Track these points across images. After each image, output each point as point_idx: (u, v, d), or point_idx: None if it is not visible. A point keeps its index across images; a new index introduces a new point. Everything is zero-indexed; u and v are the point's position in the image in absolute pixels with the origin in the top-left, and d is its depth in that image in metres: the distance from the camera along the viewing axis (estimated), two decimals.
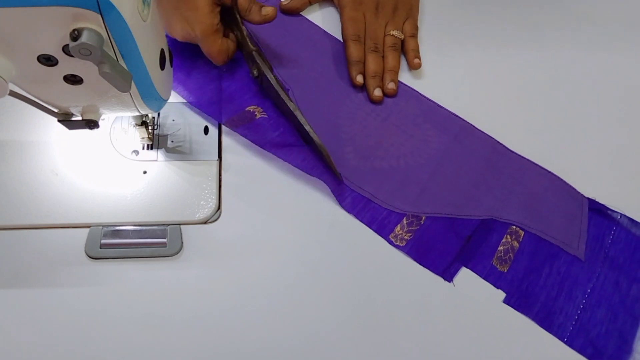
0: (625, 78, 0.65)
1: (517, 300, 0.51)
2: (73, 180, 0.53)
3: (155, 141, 0.55)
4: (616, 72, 0.66)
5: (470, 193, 0.55)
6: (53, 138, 0.54)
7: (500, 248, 0.52)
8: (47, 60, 0.37)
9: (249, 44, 0.56)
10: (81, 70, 0.38)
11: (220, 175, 0.55)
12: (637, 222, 0.53)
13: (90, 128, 0.45)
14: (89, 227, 0.51)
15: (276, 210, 0.54)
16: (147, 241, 0.51)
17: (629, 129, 0.61)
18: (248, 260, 0.51)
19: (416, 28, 0.64)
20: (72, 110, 0.45)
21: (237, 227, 0.52)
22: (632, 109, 0.63)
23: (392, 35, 0.62)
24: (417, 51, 0.63)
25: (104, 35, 0.34)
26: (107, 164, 0.54)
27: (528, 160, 0.57)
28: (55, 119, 0.45)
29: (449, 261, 0.52)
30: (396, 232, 0.53)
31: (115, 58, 0.37)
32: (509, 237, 0.53)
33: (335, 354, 0.48)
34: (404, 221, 0.53)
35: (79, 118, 0.45)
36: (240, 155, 0.56)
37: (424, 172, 0.56)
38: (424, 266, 0.52)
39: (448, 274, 0.51)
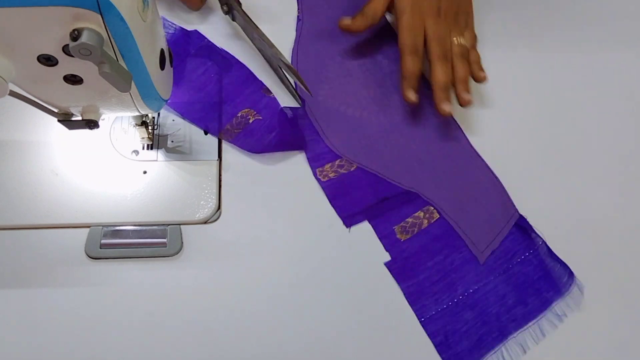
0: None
1: (398, 268, 0.51)
2: (73, 180, 0.52)
3: (155, 141, 0.55)
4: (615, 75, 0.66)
5: (411, 165, 0.56)
6: (53, 138, 0.54)
7: (409, 220, 0.53)
8: (47, 60, 0.37)
9: None
10: (81, 70, 0.38)
11: (220, 175, 0.55)
12: (554, 254, 0.52)
13: (90, 128, 0.45)
14: (89, 227, 0.51)
15: (276, 210, 0.54)
16: (147, 241, 0.51)
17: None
18: (248, 260, 0.51)
19: (475, 38, 0.59)
20: (72, 110, 0.45)
21: (237, 227, 0.52)
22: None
23: (461, 43, 0.56)
24: (480, 63, 0.58)
25: (104, 35, 0.34)
26: (107, 164, 0.54)
27: (483, 160, 0.57)
28: (55, 119, 0.45)
29: (355, 211, 0.53)
30: (324, 168, 0.54)
31: (115, 58, 0.37)
32: (422, 213, 0.53)
33: (335, 353, 0.48)
34: (336, 162, 0.55)
35: (79, 118, 0.45)
36: (240, 155, 0.56)
37: (377, 132, 0.57)
38: (332, 206, 0.53)
39: (349, 221, 0.53)
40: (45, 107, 0.44)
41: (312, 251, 0.52)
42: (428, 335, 0.49)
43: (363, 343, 0.49)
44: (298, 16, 0.63)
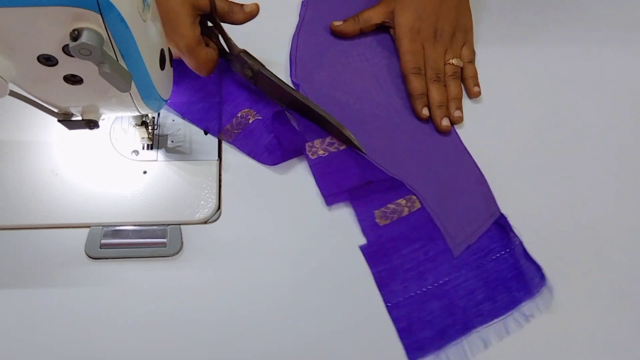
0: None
1: (372, 252, 0.52)
2: (73, 181, 0.52)
3: (155, 141, 0.55)
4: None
5: (400, 153, 0.57)
6: (53, 138, 0.54)
7: (390, 206, 0.54)
8: (47, 60, 0.37)
9: (235, 45, 0.55)
10: (81, 70, 0.38)
11: (220, 175, 0.55)
12: (529, 255, 0.52)
13: (90, 128, 0.45)
14: (89, 227, 0.51)
15: (276, 210, 0.54)
16: (147, 241, 0.51)
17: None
18: (248, 260, 0.51)
19: (473, 53, 0.63)
20: (72, 110, 0.45)
21: (237, 227, 0.52)
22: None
23: (452, 64, 0.61)
24: (476, 77, 0.61)
25: (104, 35, 0.34)
26: (107, 164, 0.54)
27: (470, 156, 0.57)
28: (55, 119, 0.45)
29: (338, 190, 0.54)
30: (314, 144, 0.55)
31: (115, 58, 0.37)
32: (404, 201, 0.54)
33: (335, 353, 0.48)
34: (327, 139, 0.55)
35: (79, 118, 0.45)
36: (240, 155, 0.56)
37: (370, 119, 0.58)
38: (317, 184, 0.54)
39: (330, 200, 0.54)
40: (45, 107, 0.44)
41: (312, 251, 0.52)
42: (392, 320, 0.49)
43: (363, 342, 0.49)
44: (303, 2, 0.64)
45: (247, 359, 0.48)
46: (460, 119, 0.59)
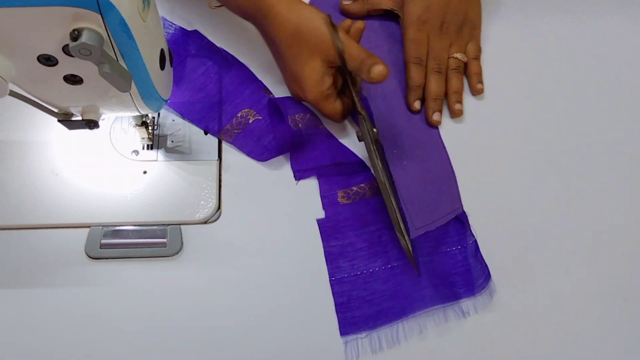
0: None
1: (327, 227, 0.53)
2: (73, 181, 0.53)
3: (155, 141, 0.55)
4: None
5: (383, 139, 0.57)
6: (53, 138, 0.54)
7: (354, 188, 0.54)
8: (47, 60, 0.37)
9: (358, 107, 0.53)
10: (81, 70, 0.38)
11: (220, 175, 0.55)
12: (480, 255, 0.52)
13: (90, 128, 0.45)
14: (89, 227, 0.51)
15: (276, 210, 0.54)
16: (147, 241, 0.51)
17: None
18: (248, 260, 0.51)
19: (479, 50, 0.62)
20: (72, 110, 0.45)
21: (237, 227, 0.52)
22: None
23: (456, 58, 0.60)
24: (480, 75, 0.61)
25: (104, 35, 0.34)
26: (107, 164, 0.54)
27: (446, 152, 0.57)
28: (55, 119, 0.45)
29: (307, 167, 0.55)
30: (296, 117, 0.56)
31: (115, 58, 0.37)
32: (369, 185, 0.55)
33: (335, 352, 0.48)
34: (307, 115, 0.57)
35: (79, 118, 0.45)
36: (240, 155, 0.56)
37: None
38: (290, 157, 0.55)
39: (299, 175, 0.55)
40: (45, 107, 0.44)
41: (312, 251, 0.52)
42: (333, 294, 0.50)
43: (366, 343, 0.49)
44: None
45: (247, 358, 0.48)
46: (460, 112, 0.59)
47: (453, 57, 0.60)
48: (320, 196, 0.54)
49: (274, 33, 0.53)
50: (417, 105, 0.58)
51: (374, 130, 0.53)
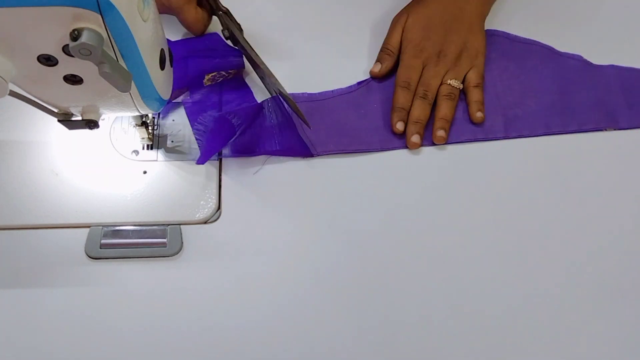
0: None
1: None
2: (73, 181, 0.53)
3: (155, 141, 0.55)
4: None
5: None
6: (53, 138, 0.54)
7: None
8: (47, 60, 0.37)
9: (220, 4, 0.57)
10: (81, 70, 0.39)
11: (220, 175, 0.55)
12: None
13: (90, 128, 0.45)
14: (89, 227, 0.51)
15: (276, 210, 0.54)
16: (147, 241, 0.51)
17: None
18: (247, 260, 0.51)
19: (481, 77, 0.61)
20: (72, 110, 0.45)
21: (237, 227, 0.52)
22: None
23: (450, 84, 0.59)
24: (481, 103, 0.59)
25: (104, 35, 0.34)
26: (107, 164, 0.54)
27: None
28: (55, 119, 0.45)
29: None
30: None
31: (115, 58, 0.37)
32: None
33: (336, 352, 0.48)
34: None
35: (79, 118, 0.45)
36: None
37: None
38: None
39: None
40: (45, 107, 0.44)
41: (312, 251, 0.52)
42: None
43: (363, 341, 0.49)
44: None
45: (248, 356, 0.48)
46: (442, 140, 0.58)
47: (447, 83, 0.59)
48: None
49: None
50: (399, 126, 0.58)
51: (238, 23, 0.57)
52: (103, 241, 0.50)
